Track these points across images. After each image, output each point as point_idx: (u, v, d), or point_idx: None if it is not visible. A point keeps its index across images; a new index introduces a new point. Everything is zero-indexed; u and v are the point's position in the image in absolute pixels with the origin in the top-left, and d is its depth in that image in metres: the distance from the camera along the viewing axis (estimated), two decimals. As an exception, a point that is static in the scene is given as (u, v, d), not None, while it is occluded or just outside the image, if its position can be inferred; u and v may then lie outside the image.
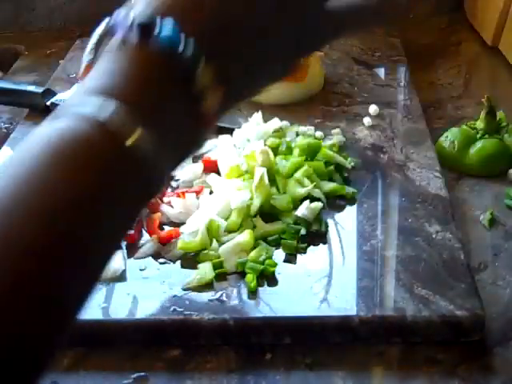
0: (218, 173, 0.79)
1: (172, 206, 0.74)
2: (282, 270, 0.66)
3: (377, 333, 0.61)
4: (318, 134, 0.87)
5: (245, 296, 0.64)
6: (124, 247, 0.71)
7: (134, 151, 0.29)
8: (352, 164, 0.81)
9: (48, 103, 0.95)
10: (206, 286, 0.65)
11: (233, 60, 0.35)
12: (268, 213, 0.73)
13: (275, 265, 0.66)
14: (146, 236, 0.72)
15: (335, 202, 0.76)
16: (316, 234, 0.71)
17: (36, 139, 0.29)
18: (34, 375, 0.28)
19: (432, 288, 0.63)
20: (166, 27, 0.32)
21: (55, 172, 0.28)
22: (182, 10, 0.33)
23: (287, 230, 0.70)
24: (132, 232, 0.71)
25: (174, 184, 0.80)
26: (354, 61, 1.06)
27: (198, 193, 0.76)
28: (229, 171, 0.78)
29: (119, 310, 0.63)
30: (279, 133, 0.85)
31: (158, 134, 0.31)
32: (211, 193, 0.77)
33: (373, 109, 0.91)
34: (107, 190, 0.29)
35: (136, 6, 0.33)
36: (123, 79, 0.31)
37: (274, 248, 0.69)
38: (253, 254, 0.67)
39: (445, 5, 1.24)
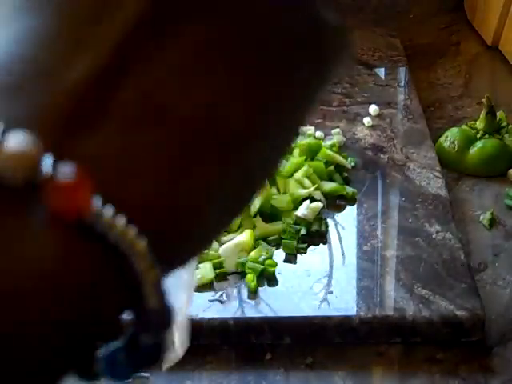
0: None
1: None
2: (282, 270, 0.66)
3: (377, 333, 0.61)
4: (318, 133, 0.87)
5: (245, 296, 0.64)
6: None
7: None
8: (352, 164, 0.81)
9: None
10: (206, 286, 0.65)
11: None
12: (268, 213, 0.73)
13: (275, 265, 0.66)
14: (146, 236, 0.72)
15: (335, 202, 0.76)
16: (316, 234, 0.71)
17: None
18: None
19: (432, 288, 0.63)
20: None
21: None
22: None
23: (287, 229, 0.70)
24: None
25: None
26: (354, 61, 1.06)
27: (198, 193, 0.76)
28: (229, 171, 0.78)
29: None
30: (279, 133, 0.85)
31: None
32: (211, 193, 0.77)
33: (373, 109, 0.91)
34: None
35: None
36: None
37: (274, 248, 0.69)
38: (253, 254, 0.67)
39: (445, 5, 1.24)
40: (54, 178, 0.16)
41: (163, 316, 0.18)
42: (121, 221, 0.17)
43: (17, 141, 0.16)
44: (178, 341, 0.35)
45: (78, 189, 0.17)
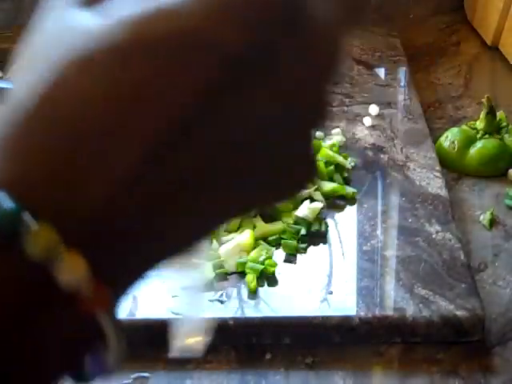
0: (218, 173, 0.79)
1: (172, 206, 0.74)
2: (282, 270, 0.66)
3: (377, 333, 0.61)
4: (318, 134, 0.87)
5: (245, 296, 0.64)
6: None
7: None
8: (352, 164, 0.81)
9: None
10: (206, 286, 0.65)
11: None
12: (268, 213, 0.73)
13: (275, 265, 0.66)
14: (146, 236, 0.72)
15: (335, 202, 0.76)
16: (316, 234, 0.71)
17: None
18: None
19: (432, 288, 0.63)
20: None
21: None
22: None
23: (287, 230, 0.70)
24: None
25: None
26: (354, 61, 1.06)
27: (198, 193, 0.76)
28: (229, 171, 0.78)
29: (119, 310, 0.63)
30: (279, 133, 0.85)
31: None
32: (211, 193, 0.77)
33: (373, 109, 0.91)
34: None
35: None
36: None
37: (273, 248, 0.69)
38: (253, 254, 0.67)
39: (445, 5, 1.24)
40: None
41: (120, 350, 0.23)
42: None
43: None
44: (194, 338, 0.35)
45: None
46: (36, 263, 0.20)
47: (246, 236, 0.69)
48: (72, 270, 0.20)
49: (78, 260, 0.21)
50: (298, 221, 0.71)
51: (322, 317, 0.61)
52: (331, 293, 0.64)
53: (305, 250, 0.69)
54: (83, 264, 0.21)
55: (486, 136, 0.84)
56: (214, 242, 0.69)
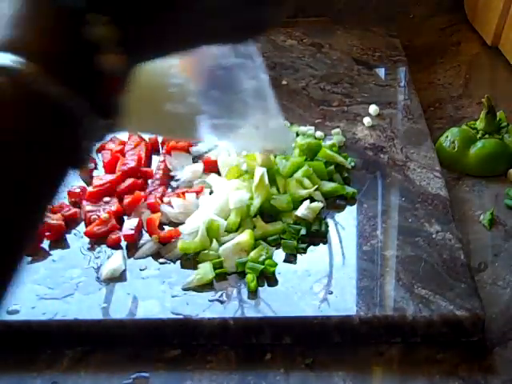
0: (218, 173, 0.79)
1: (172, 206, 0.74)
2: (282, 270, 0.66)
3: (377, 333, 0.61)
4: (318, 134, 0.87)
5: (245, 296, 0.64)
6: (124, 247, 0.71)
7: None
8: (352, 164, 0.81)
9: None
10: (206, 286, 0.65)
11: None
12: (268, 213, 0.73)
13: (275, 265, 0.66)
14: (145, 236, 0.72)
15: (335, 202, 0.76)
16: (316, 234, 0.71)
17: None
18: None
19: (432, 288, 0.63)
20: None
21: None
22: None
23: (287, 229, 0.70)
24: (132, 232, 0.71)
25: (174, 184, 0.80)
26: (354, 61, 1.06)
27: (198, 193, 0.76)
28: (229, 171, 0.78)
29: (119, 310, 0.63)
30: (279, 133, 0.85)
31: None
32: (211, 193, 0.77)
33: (373, 109, 0.91)
34: None
35: None
36: None
37: (274, 248, 0.69)
38: (253, 254, 0.67)
39: (445, 5, 1.24)
40: None
41: None
42: None
43: None
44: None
45: None
46: None
47: (245, 236, 0.69)
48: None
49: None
50: (298, 221, 0.71)
51: (322, 317, 0.61)
52: (331, 293, 0.64)
53: (305, 250, 0.69)
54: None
55: (486, 136, 0.84)
56: (214, 241, 0.69)
